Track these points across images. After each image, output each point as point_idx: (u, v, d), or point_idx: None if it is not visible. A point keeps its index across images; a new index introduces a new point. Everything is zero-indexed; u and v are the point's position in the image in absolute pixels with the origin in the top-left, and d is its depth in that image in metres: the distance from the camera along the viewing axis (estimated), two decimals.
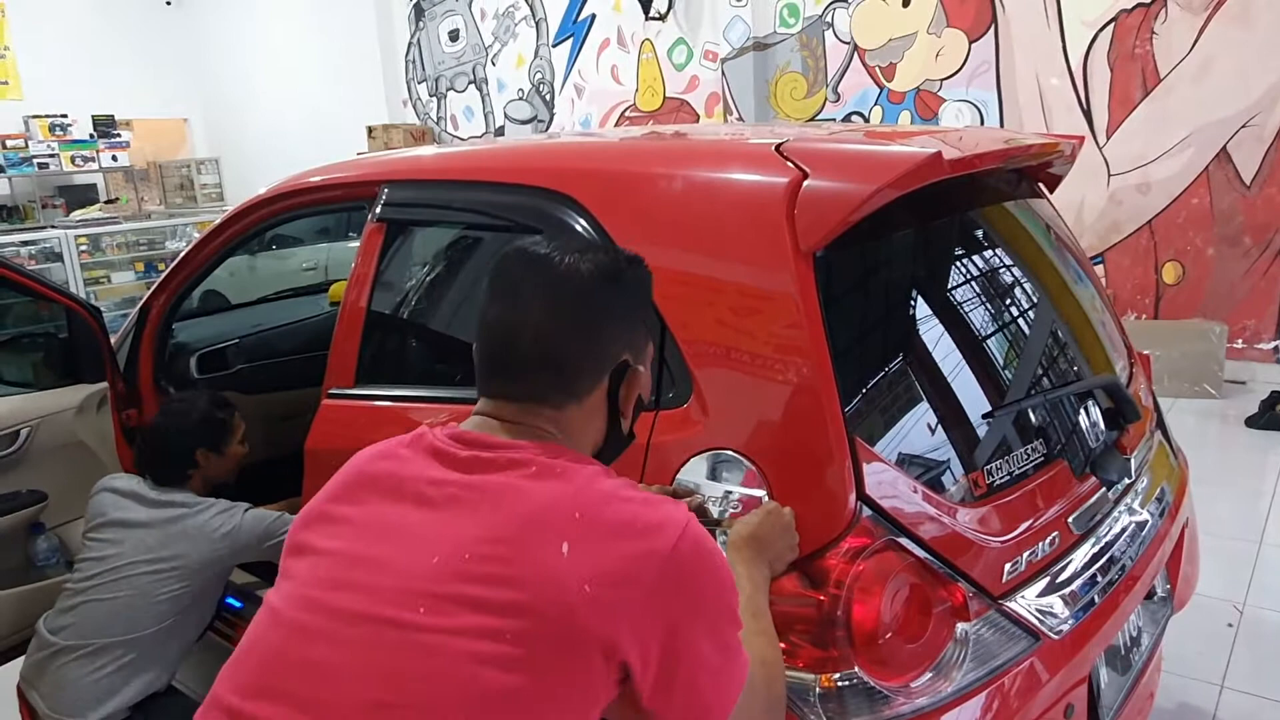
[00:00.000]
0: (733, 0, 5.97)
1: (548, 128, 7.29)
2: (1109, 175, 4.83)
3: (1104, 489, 1.51)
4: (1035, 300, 1.60)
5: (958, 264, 1.55)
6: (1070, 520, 1.41)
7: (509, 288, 1.03)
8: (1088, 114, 4.84)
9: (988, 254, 1.60)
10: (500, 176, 1.59)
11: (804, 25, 5.78)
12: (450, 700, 0.81)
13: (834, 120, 5.77)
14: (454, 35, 7.66)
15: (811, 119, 5.93)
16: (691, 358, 1.31)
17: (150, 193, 9.31)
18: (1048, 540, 1.36)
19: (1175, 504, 1.78)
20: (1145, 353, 2.04)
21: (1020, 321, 1.54)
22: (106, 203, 8.73)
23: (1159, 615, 1.74)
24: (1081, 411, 1.55)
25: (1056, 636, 1.30)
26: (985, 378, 1.41)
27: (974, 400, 1.37)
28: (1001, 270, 1.59)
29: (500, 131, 7.56)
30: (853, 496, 1.18)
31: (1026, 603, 1.30)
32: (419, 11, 7.85)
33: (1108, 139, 4.80)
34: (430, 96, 8.01)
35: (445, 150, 1.87)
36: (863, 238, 1.35)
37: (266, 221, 2.11)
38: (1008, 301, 1.55)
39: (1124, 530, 1.53)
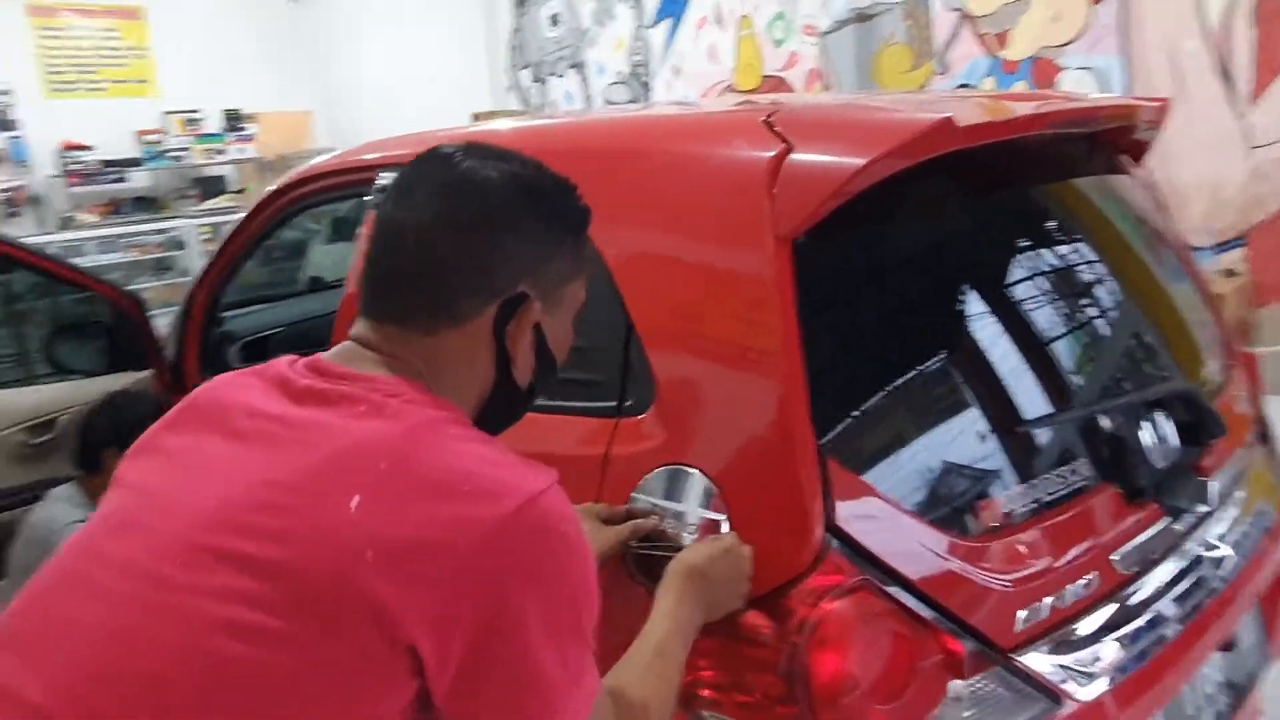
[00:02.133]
0: None
1: None
2: (1253, 147, 4.30)
3: (1169, 519, 1.26)
4: (1091, 295, 1.35)
5: (992, 252, 1.33)
6: (1115, 557, 1.18)
7: (405, 188, 0.88)
8: (1228, 79, 4.31)
9: (1034, 240, 1.37)
10: None
11: None
12: (185, 678, 0.67)
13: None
14: (554, 20, 7.62)
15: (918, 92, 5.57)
16: (655, 361, 1.16)
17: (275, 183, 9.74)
18: (1081, 582, 1.13)
19: (1277, 533, 1.49)
20: (1251, 351, 1.74)
21: (1067, 320, 1.30)
22: (234, 193, 9.18)
23: (1250, 667, 1.47)
24: (1146, 426, 1.30)
25: (1086, 700, 1.08)
26: (1011, 388, 1.19)
27: (992, 416, 1.15)
28: (1049, 258, 1.36)
29: None
30: (820, 527, 1.00)
31: (1047, 658, 1.08)
32: None
33: (1251, 107, 4.27)
34: (532, 82, 8.01)
35: (431, 133, 1.77)
36: (865, 221, 1.17)
37: (285, 212, 2.08)
38: (1052, 296, 1.31)
39: (1193, 568, 1.27)
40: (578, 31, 7.42)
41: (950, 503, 1.09)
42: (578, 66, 7.54)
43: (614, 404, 1.20)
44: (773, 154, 1.11)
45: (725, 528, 1.05)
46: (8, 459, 2.03)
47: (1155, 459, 1.28)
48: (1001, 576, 1.07)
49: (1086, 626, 1.13)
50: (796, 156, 1.11)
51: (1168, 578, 1.24)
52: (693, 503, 1.09)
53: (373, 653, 0.68)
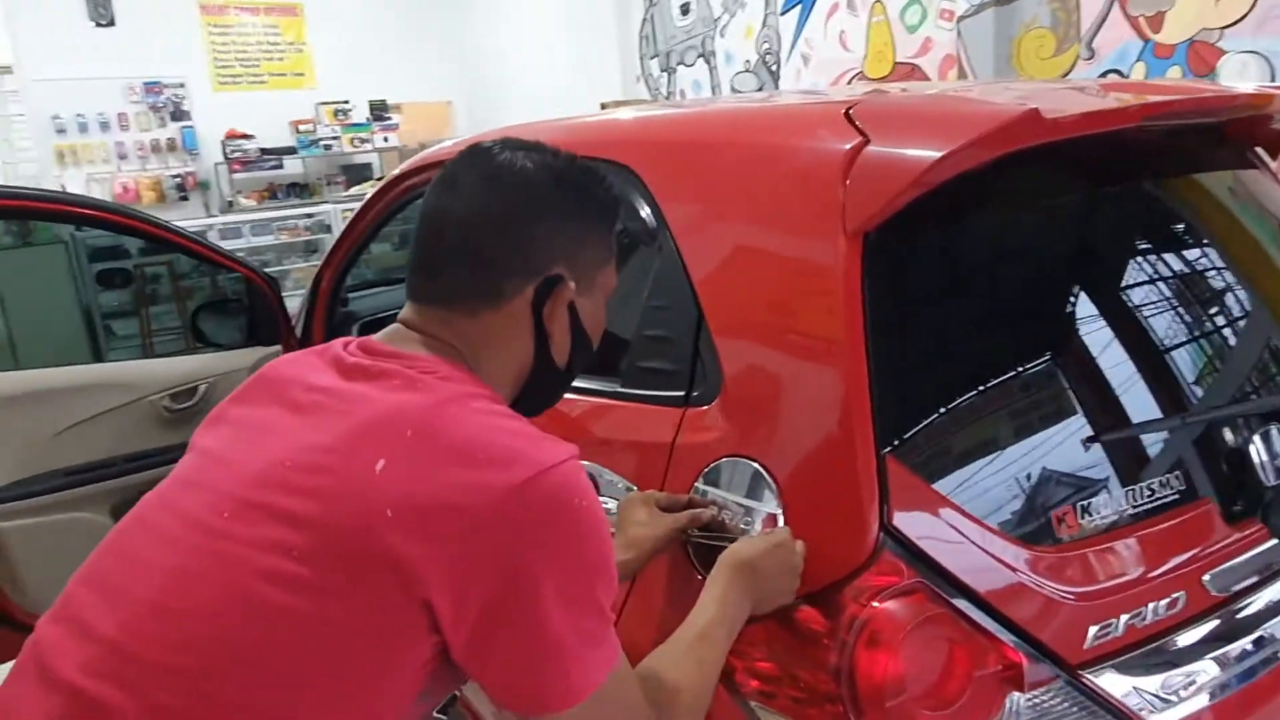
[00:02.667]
0: None
1: None
2: None
3: (1277, 540, 1.17)
4: (1205, 297, 1.27)
5: (1085, 250, 1.26)
6: (1208, 578, 1.11)
7: (449, 179, 0.95)
8: None
9: (1136, 236, 1.29)
10: (570, 148, 1.50)
11: None
12: (235, 617, 0.74)
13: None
14: (685, 9, 7.63)
15: (1060, 79, 5.28)
16: (723, 351, 1.17)
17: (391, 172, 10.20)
18: (1165, 601, 1.07)
19: None
20: None
21: (1173, 325, 1.22)
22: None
23: None
24: (1257, 441, 1.21)
25: None
26: (1099, 395, 1.13)
27: (1071, 424, 1.10)
28: (1150, 256, 1.28)
29: None
30: (875, 526, 0.99)
31: (1120, 678, 1.03)
32: None
33: None
34: (661, 72, 8.05)
35: (531, 125, 1.82)
36: (950, 216, 1.14)
37: (402, 199, 2.19)
38: (1156, 298, 1.24)
39: None
40: (708, 20, 7.40)
41: (1020, 510, 1.05)
42: (706, 55, 7.53)
43: (683, 394, 1.21)
44: (848, 146, 1.10)
45: (781, 521, 1.06)
46: (152, 422, 2.22)
47: (1267, 476, 1.19)
48: (1072, 590, 1.02)
49: (1169, 648, 1.07)
50: (872, 149, 1.09)
51: (1270, 604, 1.15)
52: (751, 495, 1.09)
53: (393, 605, 0.74)
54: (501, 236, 0.90)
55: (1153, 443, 1.14)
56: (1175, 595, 1.08)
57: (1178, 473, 1.13)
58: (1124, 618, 1.04)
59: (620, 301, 1.41)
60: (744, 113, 1.48)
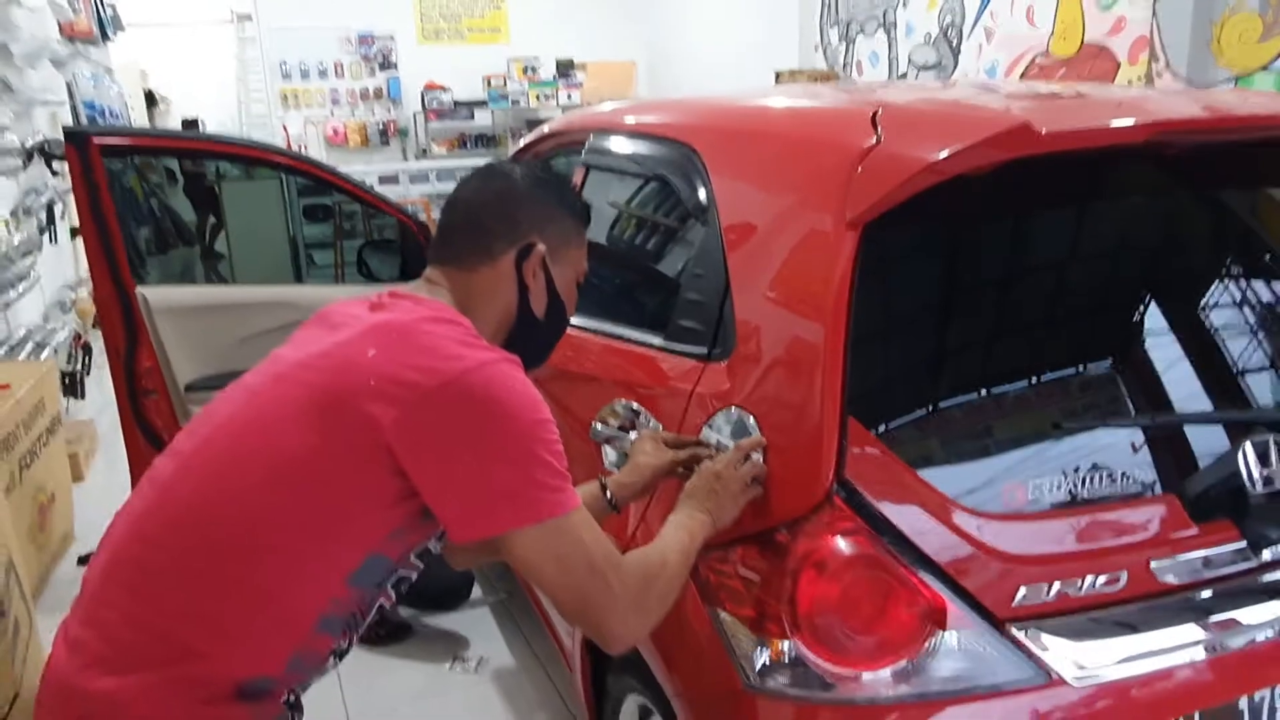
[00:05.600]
0: None
1: (950, 75, 6.88)
2: None
3: (1245, 544, 1.24)
4: (1199, 305, 1.32)
5: (1100, 252, 1.35)
6: (1156, 565, 1.20)
7: (466, 179, 1.28)
8: None
9: (1151, 243, 1.36)
10: (651, 129, 1.71)
11: None
12: (260, 456, 1.05)
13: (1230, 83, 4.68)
14: None
15: (1264, 68, 4.88)
16: (740, 313, 1.35)
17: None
18: (1104, 578, 1.17)
19: None
20: None
21: (1156, 329, 1.30)
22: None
23: None
24: (1245, 449, 1.26)
25: (1075, 684, 1.14)
26: (1065, 387, 1.24)
27: (1037, 412, 1.22)
28: (1165, 265, 1.34)
29: (902, 78, 7.30)
30: (831, 475, 1.16)
31: (1047, 637, 1.15)
32: None
33: None
34: (840, 41, 7.97)
35: (624, 106, 2.03)
36: (954, 214, 1.27)
37: (546, 155, 2.46)
38: (1147, 303, 1.31)
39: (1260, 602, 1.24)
40: None
41: (969, 478, 1.19)
42: (887, 27, 7.39)
43: (706, 350, 1.41)
44: (862, 146, 1.25)
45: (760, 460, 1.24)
46: None
47: (1250, 483, 1.25)
48: (1006, 552, 1.15)
49: (1105, 621, 1.18)
50: (881, 150, 1.23)
51: (1229, 600, 1.22)
52: (739, 438, 1.28)
53: (370, 454, 1.03)
54: (493, 212, 1.23)
55: (1115, 436, 1.23)
56: (1118, 574, 1.18)
57: (1144, 469, 1.22)
58: (1056, 584, 1.16)
59: (675, 266, 1.62)
60: (795, 108, 1.63)
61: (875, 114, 1.31)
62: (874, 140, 1.25)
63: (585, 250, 1.32)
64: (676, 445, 1.35)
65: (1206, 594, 1.22)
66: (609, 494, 1.34)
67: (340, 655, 1.18)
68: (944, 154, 1.14)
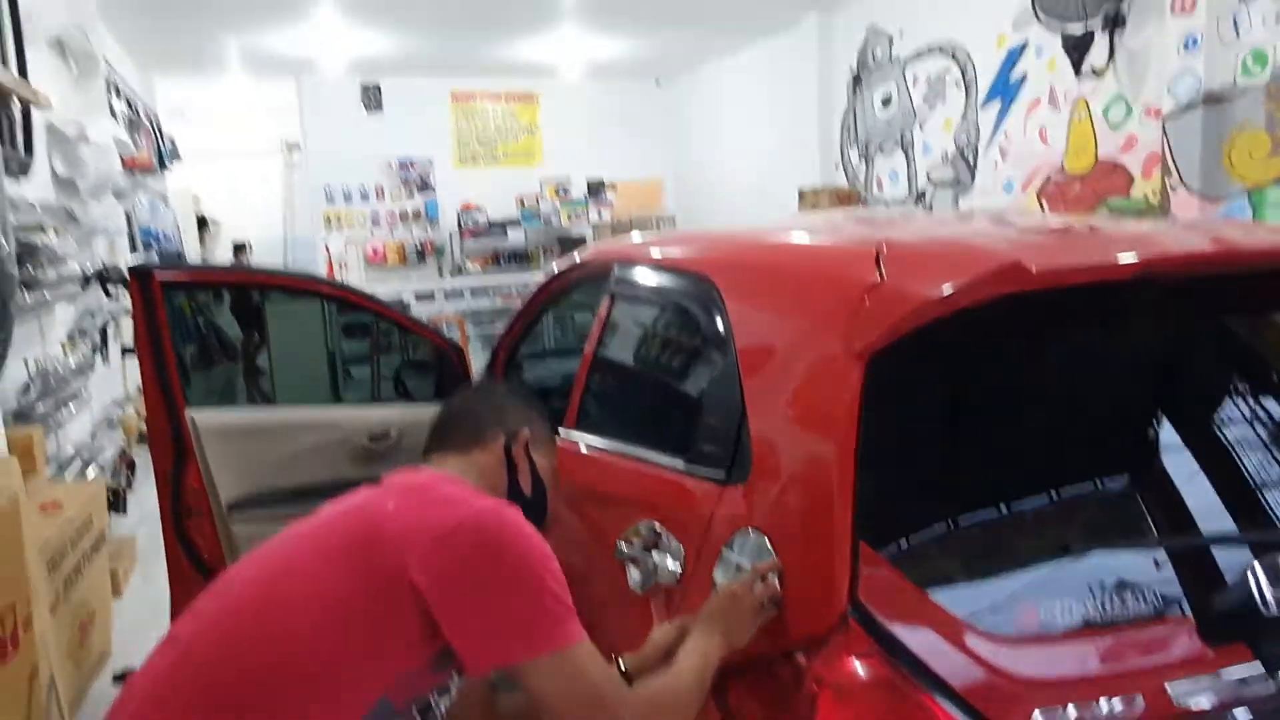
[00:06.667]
0: (1182, 49, 5.30)
1: (969, 191, 7.08)
2: None
3: (1263, 668, 1.25)
4: (1204, 426, 1.37)
5: (1103, 375, 1.41)
6: (1174, 688, 1.21)
7: (458, 392, 1.59)
8: None
9: (1156, 364, 1.42)
10: (671, 262, 1.83)
11: (1274, 75, 4.92)
12: (299, 594, 1.18)
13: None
14: (886, 101, 7.83)
15: (1276, 181, 5.01)
16: (756, 439, 1.42)
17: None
18: (1119, 701, 1.19)
19: None
20: None
21: (1165, 448, 1.35)
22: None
23: None
24: (1255, 570, 1.29)
25: None
26: (1072, 510, 1.28)
27: (1047, 532, 1.26)
28: (1169, 387, 1.40)
29: (921, 196, 7.53)
30: (845, 599, 1.20)
31: None
32: (857, 80, 8.17)
33: None
34: (860, 160, 8.26)
35: (646, 239, 2.15)
36: (956, 344, 1.35)
37: (565, 288, 2.59)
38: (1155, 424, 1.36)
39: None
40: (908, 112, 7.57)
41: (980, 600, 1.22)
42: (905, 146, 7.67)
43: (725, 473, 1.48)
44: (867, 284, 1.34)
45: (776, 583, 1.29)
46: (352, 457, 2.73)
47: (1265, 605, 1.27)
48: (1020, 675, 1.18)
49: None
50: (883, 287, 1.32)
51: None
52: (756, 560, 1.33)
53: (399, 594, 1.14)
54: (484, 407, 1.52)
55: (1123, 558, 1.27)
56: (1132, 697, 1.20)
57: (1151, 587, 1.25)
58: (1072, 708, 1.18)
59: (694, 391, 1.70)
60: (805, 245, 1.74)
61: (879, 252, 1.40)
62: (877, 278, 1.34)
63: (556, 449, 1.58)
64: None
65: (1224, 718, 1.23)
66: (624, 667, 1.39)
67: None
68: (941, 292, 1.23)
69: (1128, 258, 1.31)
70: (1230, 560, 1.31)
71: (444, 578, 1.13)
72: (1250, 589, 1.27)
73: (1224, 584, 1.28)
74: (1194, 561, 1.31)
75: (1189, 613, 1.26)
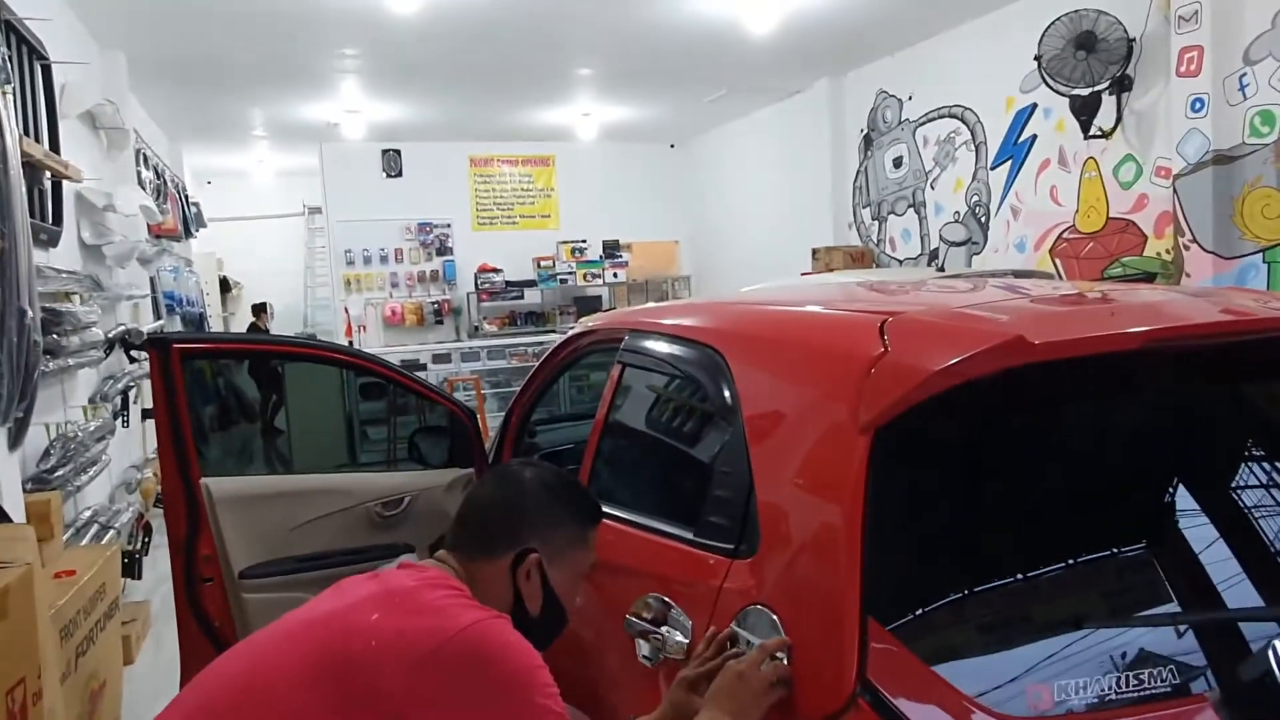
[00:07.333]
0: (1190, 111, 5.35)
1: (981, 250, 7.12)
2: None
3: None
4: (1214, 496, 1.36)
5: (1111, 445, 1.40)
6: None
7: (482, 482, 1.51)
8: None
9: (1165, 435, 1.41)
10: (680, 331, 1.84)
11: None
12: (293, 677, 1.16)
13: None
14: (897, 162, 7.93)
15: None
16: (763, 512, 1.42)
17: (640, 303, 11.00)
18: None
19: None
20: None
21: (1178, 518, 1.33)
22: (605, 311, 10.52)
23: None
24: (1276, 647, 1.26)
25: None
26: (1084, 586, 1.26)
27: (1058, 609, 1.24)
28: (1180, 456, 1.39)
29: (934, 254, 7.57)
30: (854, 677, 1.18)
31: None
32: (868, 142, 8.29)
33: None
34: (872, 220, 8.33)
35: (655, 308, 2.18)
36: (962, 415, 1.35)
37: (577, 354, 2.61)
38: (1171, 493, 1.35)
39: None
40: (919, 173, 7.65)
41: (992, 680, 1.20)
42: (916, 206, 7.74)
43: (733, 547, 1.47)
44: (871, 356, 1.35)
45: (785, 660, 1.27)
46: (364, 524, 2.73)
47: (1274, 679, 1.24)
48: None
49: None
50: (887, 360, 1.33)
51: None
52: (768, 636, 1.32)
53: (374, 684, 1.13)
54: (497, 516, 1.42)
55: (1136, 634, 1.24)
56: None
57: (1166, 664, 1.22)
58: None
59: (703, 462, 1.70)
60: (812, 314, 1.75)
61: (883, 324, 1.41)
62: (881, 351, 1.34)
63: (592, 549, 1.48)
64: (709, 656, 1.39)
65: None
66: None
67: None
68: (945, 365, 1.24)
69: (1134, 329, 1.32)
70: (1254, 633, 1.28)
71: (423, 704, 1.12)
72: (1270, 666, 1.24)
73: (1247, 659, 1.25)
74: (1215, 634, 1.28)
75: (1210, 690, 1.23)
